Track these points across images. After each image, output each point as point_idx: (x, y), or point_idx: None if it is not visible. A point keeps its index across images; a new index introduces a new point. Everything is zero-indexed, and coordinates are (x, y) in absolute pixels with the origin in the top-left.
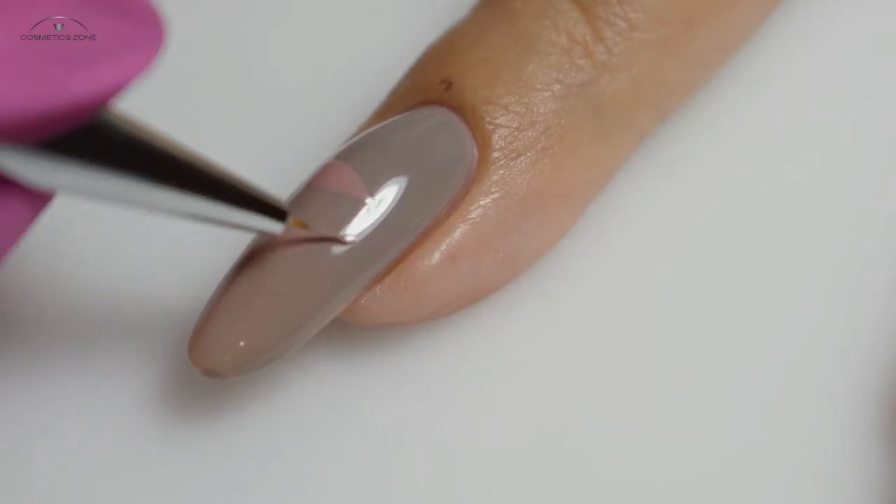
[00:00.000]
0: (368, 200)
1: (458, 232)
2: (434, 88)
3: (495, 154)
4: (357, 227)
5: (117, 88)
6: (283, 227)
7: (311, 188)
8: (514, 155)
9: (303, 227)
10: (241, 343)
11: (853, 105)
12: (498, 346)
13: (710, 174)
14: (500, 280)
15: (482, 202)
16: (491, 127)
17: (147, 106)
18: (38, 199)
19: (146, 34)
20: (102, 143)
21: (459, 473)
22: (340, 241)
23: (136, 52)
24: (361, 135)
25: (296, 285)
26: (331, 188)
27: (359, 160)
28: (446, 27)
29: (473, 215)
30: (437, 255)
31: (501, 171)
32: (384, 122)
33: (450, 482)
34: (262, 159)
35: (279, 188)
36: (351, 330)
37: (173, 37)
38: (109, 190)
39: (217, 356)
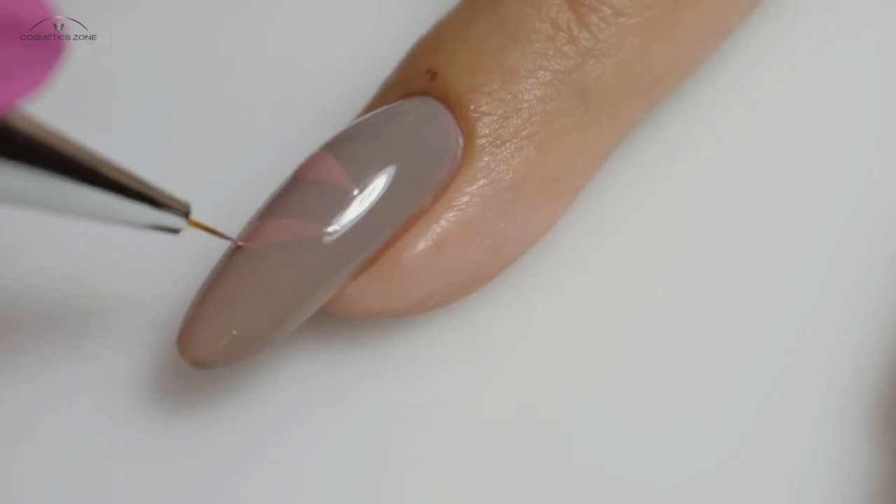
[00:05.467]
0: (354, 191)
1: (444, 219)
2: (419, 79)
3: (480, 142)
4: (342, 218)
5: (9, 104)
6: (184, 224)
7: (297, 179)
8: (499, 142)
9: (202, 228)
10: (229, 333)
11: (846, 92)
12: (488, 338)
13: (702, 162)
14: (489, 269)
15: (467, 189)
16: (476, 115)
17: (137, 106)
18: None
19: (43, 56)
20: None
21: (447, 466)
22: (236, 244)
23: (32, 71)
24: (346, 126)
25: (281, 275)
26: (316, 179)
27: (343, 151)
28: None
29: (459, 202)
30: (422, 243)
31: (487, 159)
32: (369, 114)
33: (437, 475)
34: (252, 158)
35: (270, 186)
36: (338, 322)
37: (160, 38)
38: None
39: (204, 347)
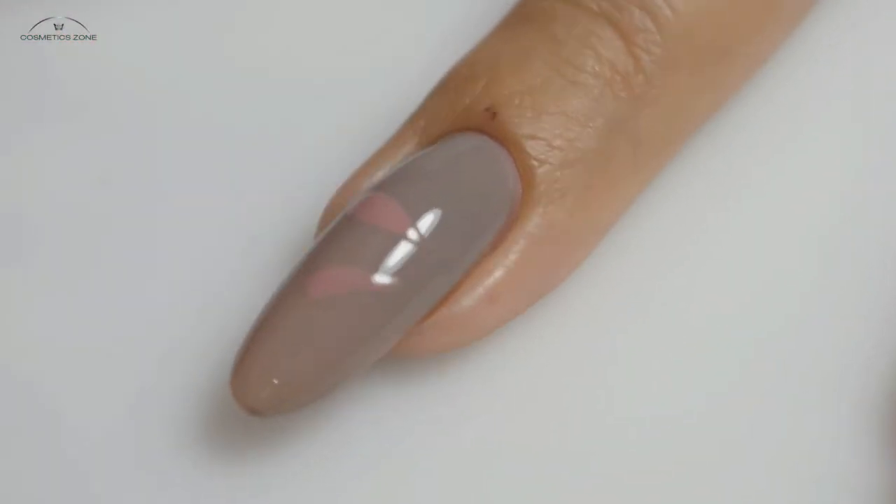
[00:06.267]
0: (413, 235)
1: (500, 269)
2: (477, 116)
3: (539, 189)
4: (404, 268)
5: None
6: None
7: (353, 221)
8: (557, 193)
9: None
10: (282, 383)
11: (882, 110)
12: (538, 361)
13: (733, 187)
14: (530, 306)
15: (524, 240)
16: (535, 163)
17: (138, 107)
18: None
19: None
20: None
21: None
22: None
23: None
24: (404, 164)
25: (343, 328)
26: (373, 221)
27: (403, 192)
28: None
29: (515, 252)
30: (477, 295)
31: (545, 209)
32: (427, 152)
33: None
34: (255, 163)
35: (305, 196)
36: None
37: (161, 38)
38: None
39: (256, 395)
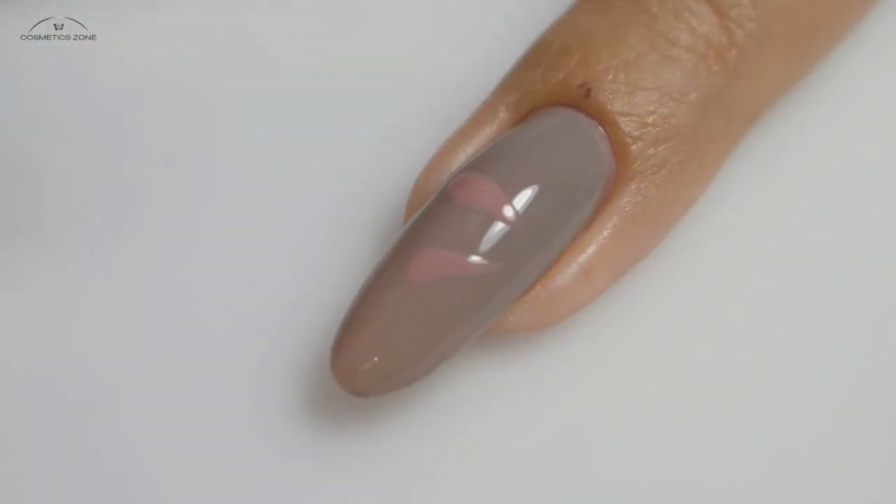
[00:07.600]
0: (511, 217)
1: (594, 246)
2: (571, 92)
3: (634, 167)
4: (499, 246)
5: None
6: None
7: (451, 202)
8: (651, 171)
9: None
10: (379, 363)
11: None
12: (628, 338)
13: (801, 176)
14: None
15: (616, 218)
16: (629, 140)
17: (139, 107)
18: None
19: None
20: None
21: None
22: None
23: None
24: (500, 142)
25: (445, 310)
26: (472, 203)
27: (502, 173)
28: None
29: (608, 230)
30: (572, 272)
31: (639, 185)
32: (522, 129)
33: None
34: (256, 161)
35: (389, 175)
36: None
37: (160, 38)
38: None
39: (356, 377)
